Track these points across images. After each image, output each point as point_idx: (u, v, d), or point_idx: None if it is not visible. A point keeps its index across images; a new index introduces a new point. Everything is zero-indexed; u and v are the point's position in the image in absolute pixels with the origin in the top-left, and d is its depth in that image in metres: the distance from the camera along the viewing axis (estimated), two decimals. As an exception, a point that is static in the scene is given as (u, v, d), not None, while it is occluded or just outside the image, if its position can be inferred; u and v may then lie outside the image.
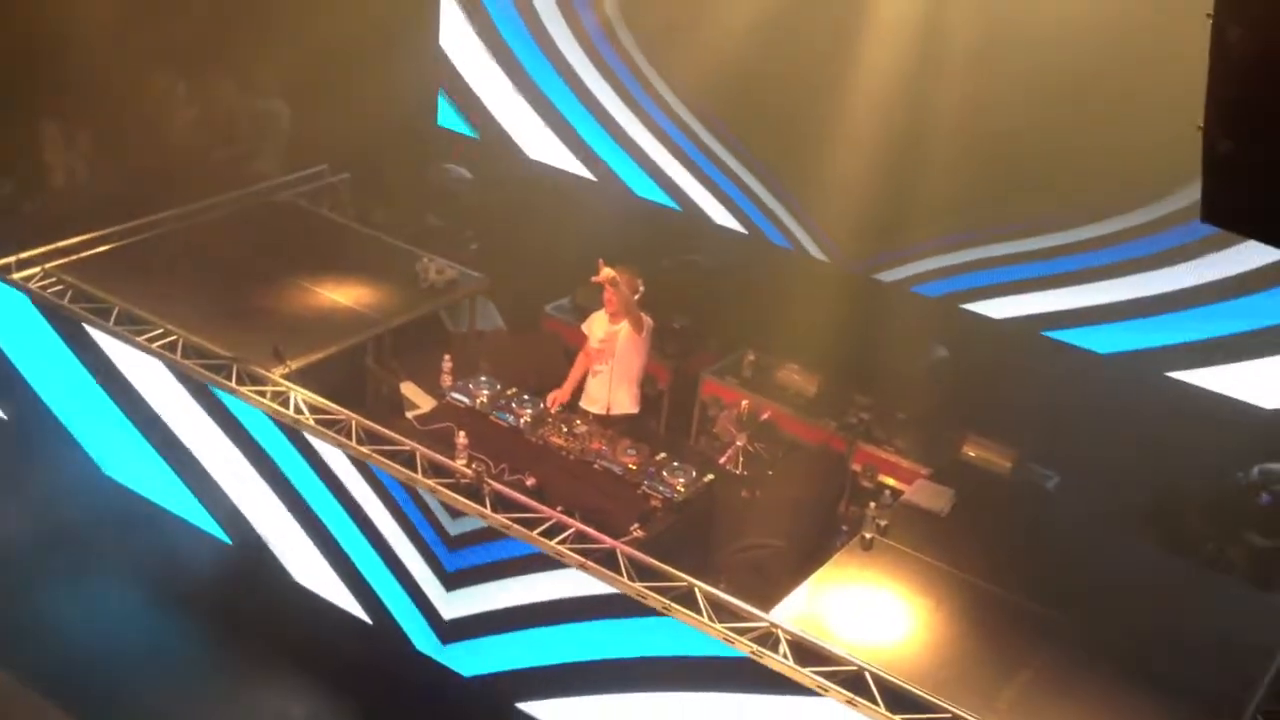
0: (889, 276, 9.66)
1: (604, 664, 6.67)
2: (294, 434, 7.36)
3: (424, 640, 7.34)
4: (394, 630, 7.42)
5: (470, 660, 7.19)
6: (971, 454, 8.17)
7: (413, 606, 7.30)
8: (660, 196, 10.42)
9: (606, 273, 7.69)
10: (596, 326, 8.10)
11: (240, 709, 7.27)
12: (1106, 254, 8.74)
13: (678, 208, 10.34)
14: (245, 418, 7.55)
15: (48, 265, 8.49)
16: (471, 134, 11.19)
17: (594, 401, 8.12)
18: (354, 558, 7.44)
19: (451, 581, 7.08)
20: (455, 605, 7.11)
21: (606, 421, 8.01)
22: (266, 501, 7.70)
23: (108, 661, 7.38)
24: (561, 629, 6.75)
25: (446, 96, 11.20)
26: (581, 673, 6.76)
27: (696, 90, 10.08)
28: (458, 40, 11.01)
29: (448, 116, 11.24)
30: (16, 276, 8.34)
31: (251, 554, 7.88)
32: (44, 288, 8.30)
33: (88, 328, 8.00)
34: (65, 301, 8.15)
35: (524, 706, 7.03)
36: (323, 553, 7.58)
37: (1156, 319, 8.64)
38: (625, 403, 8.09)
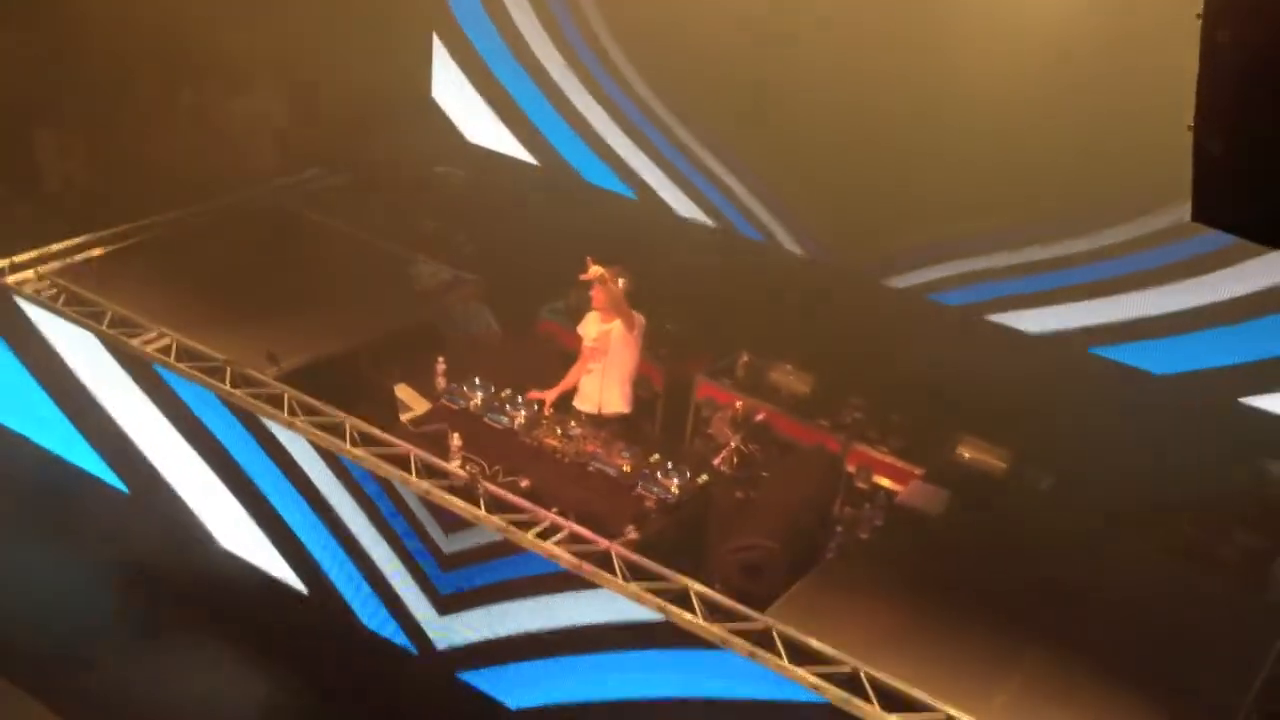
0: (884, 279, 9.69)
1: (598, 661, 6.69)
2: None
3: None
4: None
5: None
6: (966, 455, 8.17)
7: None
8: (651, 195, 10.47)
9: (595, 270, 7.70)
10: (590, 327, 8.10)
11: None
12: (1109, 265, 8.82)
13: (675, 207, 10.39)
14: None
15: (40, 269, 8.49)
16: (467, 138, 11.24)
17: (586, 400, 8.12)
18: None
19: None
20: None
21: (599, 421, 8.01)
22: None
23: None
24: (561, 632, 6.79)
25: (442, 96, 11.24)
26: (574, 669, 6.78)
27: (688, 89, 10.12)
28: (452, 45, 11.05)
29: (440, 118, 11.27)
30: (10, 280, 8.33)
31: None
32: (37, 292, 8.29)
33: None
34: (59, 305, 8.14)
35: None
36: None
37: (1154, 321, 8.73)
38: (617, 401, 8.08)
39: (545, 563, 6.62)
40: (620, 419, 8.11)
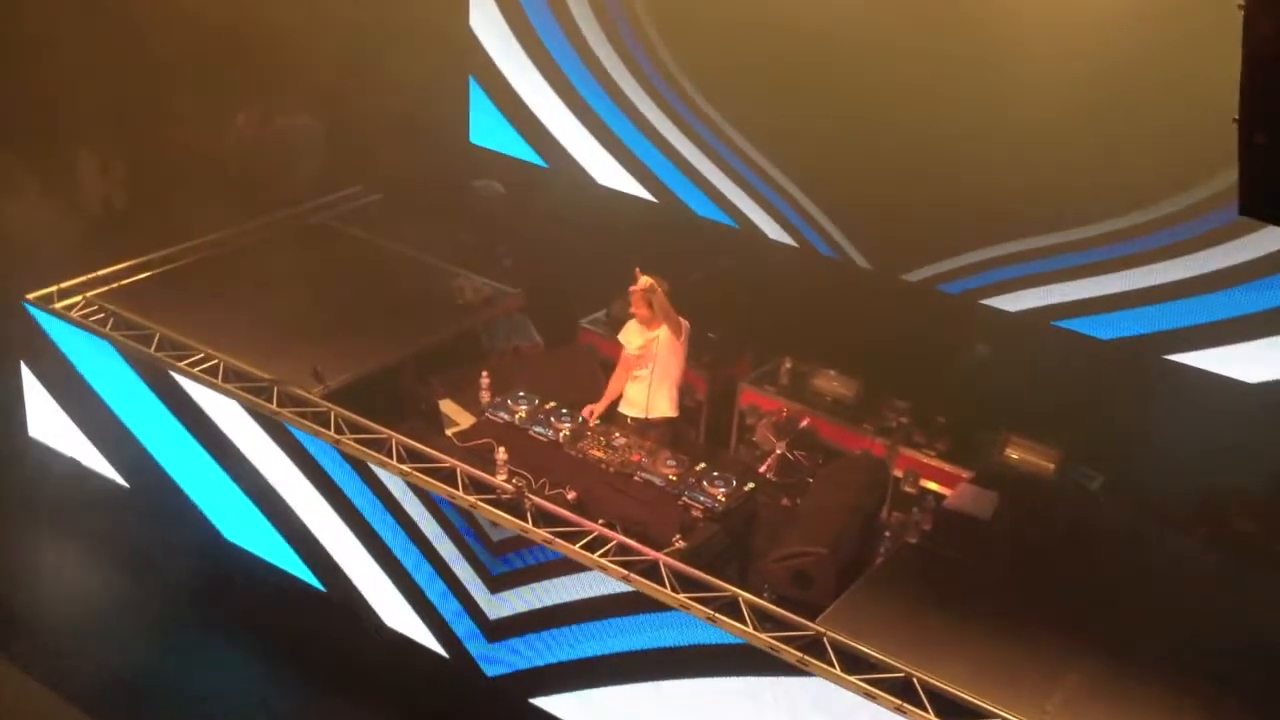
0: (925, 279, 9.63)
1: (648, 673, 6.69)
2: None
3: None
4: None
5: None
6: (1014, 456, 8.11)
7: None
8: (690, 202, 10.46)
9: (645, 281, 7.76)
10: (633, 336, 8.14)
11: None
12: (1149, 240, 8.70)
13: (706, 215, 10.37)
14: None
15: (89, 294, 8.60)
16: (504, 151, 11.26)
17: (633, 406, 8.16)
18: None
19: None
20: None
21: (646, 426, 8.05)
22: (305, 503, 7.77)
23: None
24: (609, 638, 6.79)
25: (478, 111, 11.29)
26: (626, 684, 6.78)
27: (729, 96, 10.10)
28: (492, 50, 11.09)
29: (480, 133, 11.31)
30: (59, 306, 8.44)
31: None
32: (86, 316, 8.40)
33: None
34: (108, 329, 8.24)
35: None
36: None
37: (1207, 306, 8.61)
38: (664, 406, 8.12)
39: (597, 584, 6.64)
40: (667, 423, 8.14)
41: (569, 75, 10.72)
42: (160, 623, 7.90)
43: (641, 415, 8.13)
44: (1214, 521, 7.86)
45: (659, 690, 6.64)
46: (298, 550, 7.88)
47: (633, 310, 8.03)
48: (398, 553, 7.43)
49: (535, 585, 6.95)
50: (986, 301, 9.30)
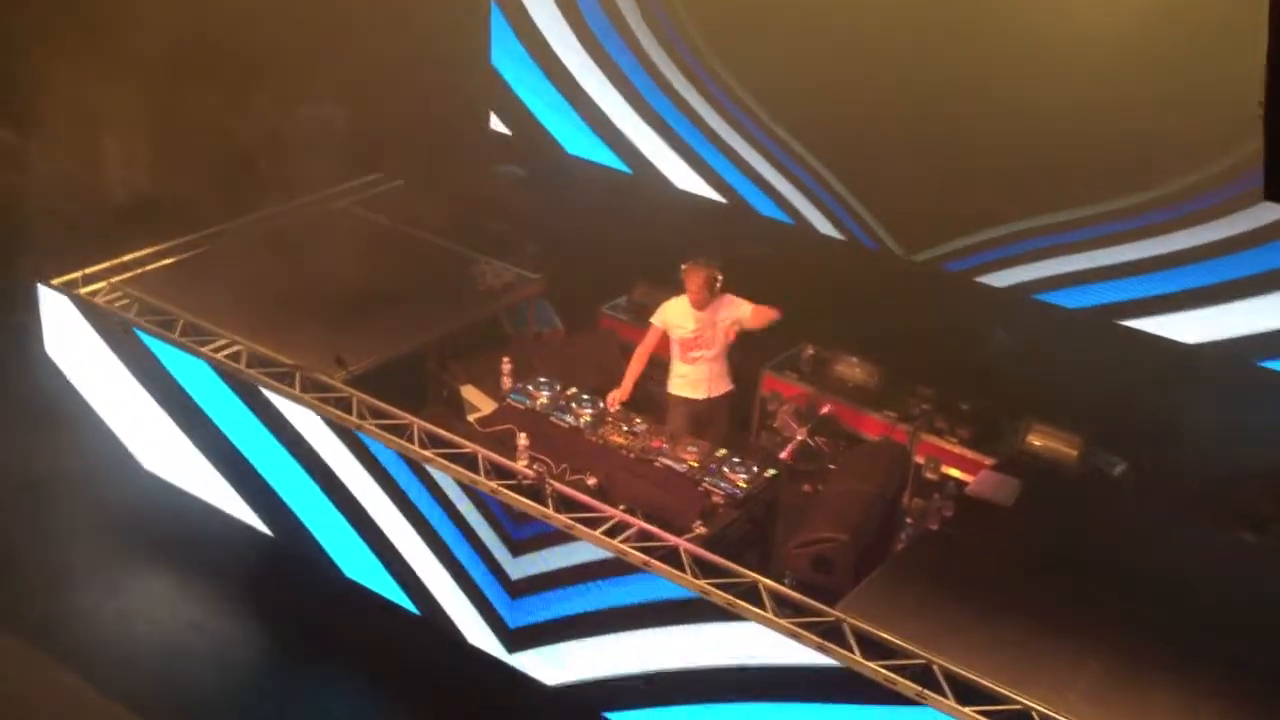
0: (948, 265, 9.60)
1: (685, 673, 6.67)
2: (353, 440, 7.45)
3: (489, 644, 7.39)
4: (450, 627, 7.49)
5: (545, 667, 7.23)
6: (1036, 443, 8.07)
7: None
8: (708, 189, 10.44)
9: (707, 267, 7.97)
10: (683, 319, 8.11)
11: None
12: (1176, 238, 8.65)
13: (724, 200, 10.36)
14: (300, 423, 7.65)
15: (113, 279, 8.65)
16: (524, 136, 11.27)
17: (693, 387, 8.22)
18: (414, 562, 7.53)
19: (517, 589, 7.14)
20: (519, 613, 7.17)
21: (710, 406, 8.21)
22: (318, 502, 7.80)
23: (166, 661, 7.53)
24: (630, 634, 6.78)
25: (498, 101, 11.30)
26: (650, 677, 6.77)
27: (754, 85, 10.07)
28: (507, 44, 11.10)
29: (500, 119, 11.32)
30: (83, 292, 8.49)
31: (301, 551, 8.00)
32: (110, 302, 8.45)
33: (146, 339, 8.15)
34: (132, 315, 8.29)
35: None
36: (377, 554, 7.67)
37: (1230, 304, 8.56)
38: (724, 384, 8.28)
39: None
40: (725, 398, 8.31)
41: (607, 55, 10.70)
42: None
43: (704, 396, 8.21)
44: (1238, 507, 7.81)
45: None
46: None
47: (692, 292, 8.01)
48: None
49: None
50: (992, 283, 9.25)
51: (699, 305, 8.03)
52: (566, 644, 7.02)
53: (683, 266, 8.02)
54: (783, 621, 6.19)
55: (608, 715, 7.01)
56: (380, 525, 7.57)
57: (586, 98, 10.85)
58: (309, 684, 7.48)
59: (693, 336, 8.11)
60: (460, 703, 7.36)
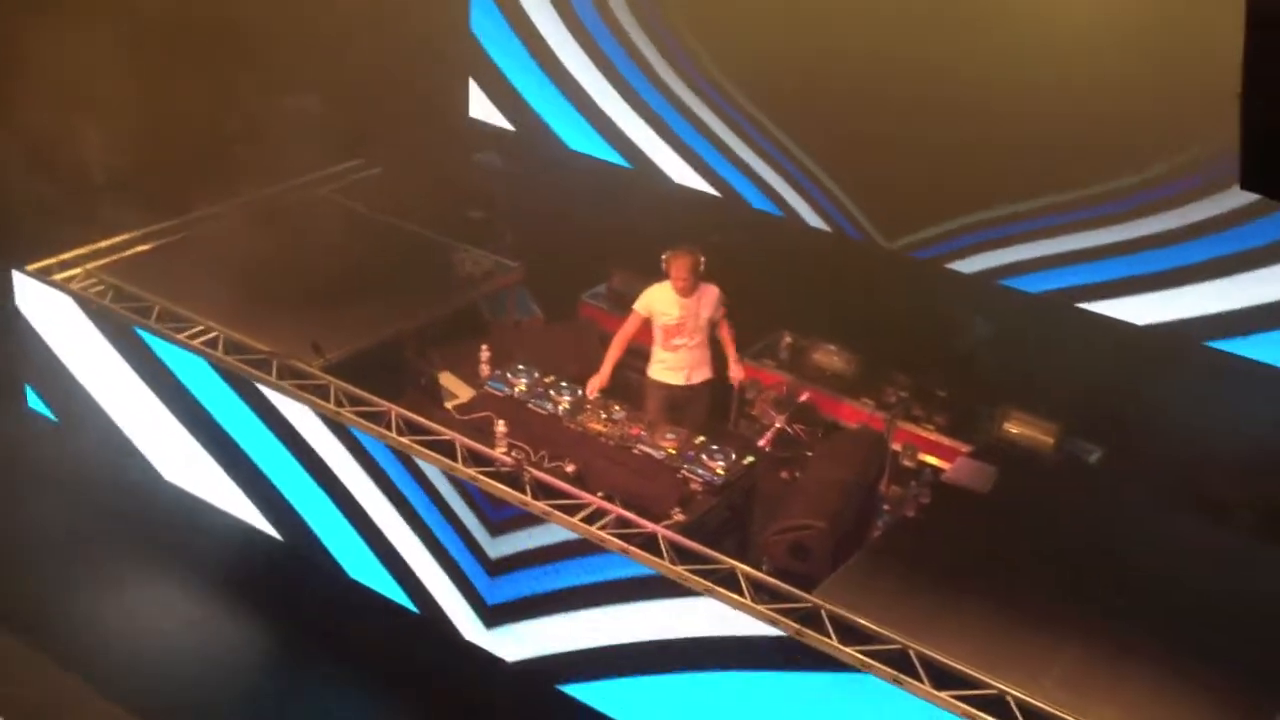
0: (925, 254, 9.63)
1: (645, 645, 6.68)
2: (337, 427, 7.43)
3: (469, 627, 7.39)
4: (440, 617, 7.48)
5: (513, 646, 7.24)
6: (1013, 430, 8.11)
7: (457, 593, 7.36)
8: (696, 179, 10.45)
9: (690, 254, 7.94)
10: (668, 305, 8.08)
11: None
12: (1143, 224, 8.72)
13: (714, 191, 10.37)
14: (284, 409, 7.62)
15: (89, 266, 8.60)
16: (504, 125, 11.25)
17: (675, 373, 8.21)
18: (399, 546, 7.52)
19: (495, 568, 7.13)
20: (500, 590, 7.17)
21: (690, 392, 8.20)
22: (314, 495, 7.77)
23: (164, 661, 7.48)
24: (603, 611, 6.79)
25: (478, 86, 11.26)
26: (622, 654, 6.78)
27: (735, 71, 10.08)
28: (488, 28, 11.08)
29: (480, 107, 11.29)
30: (58, 278, 8.44)
31: (302, 549, 7.96)
32: (85, 289, 8.40)
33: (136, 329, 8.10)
34: (107, 302, 8.24)
35: (566, 689, 7.07)
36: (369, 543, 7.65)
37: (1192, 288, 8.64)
38: (707, 370, 8.28)
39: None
40: (707, 384, 8.30)
41: (597, 45, 10.69)
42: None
43: (685, 382, 8.22)
44: (1212, 495, 7.87)
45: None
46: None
47: (677, 279, 7.99)
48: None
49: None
50: (963, 269, 9.29)
51: (684, 292, 8.02)
52: (540, 619, 7.06)
53: (665, 254, 8.01)
54: (760, 607, 6.21)
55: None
56: (366, 509, 7.56)
57: (573, 86, 10.84)
58: (309, 684, 7.42)
59: (677, 323, 8.11)
60: (460, 703, 7.33)
